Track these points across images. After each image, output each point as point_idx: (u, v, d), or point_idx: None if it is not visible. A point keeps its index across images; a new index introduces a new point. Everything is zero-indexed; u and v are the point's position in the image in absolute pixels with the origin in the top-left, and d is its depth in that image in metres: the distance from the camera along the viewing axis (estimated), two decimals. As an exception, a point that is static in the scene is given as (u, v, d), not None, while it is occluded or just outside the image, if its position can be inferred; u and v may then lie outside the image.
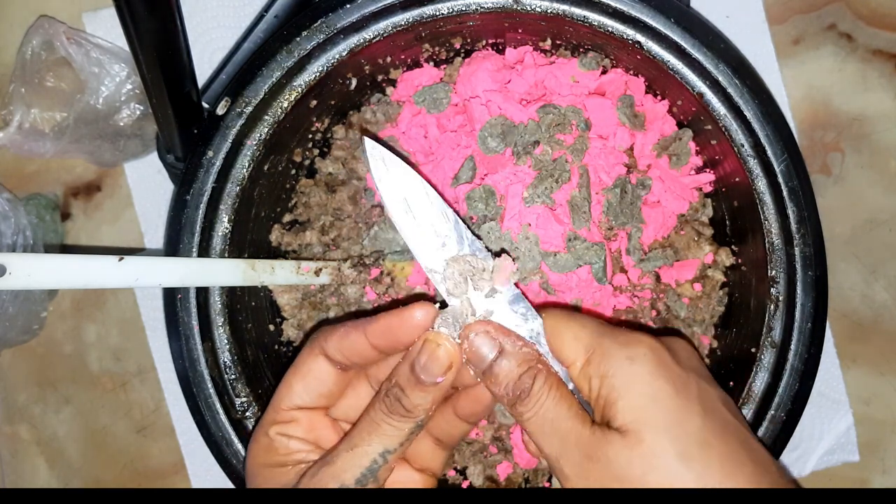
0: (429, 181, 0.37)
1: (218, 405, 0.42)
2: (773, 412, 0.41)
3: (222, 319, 0.43)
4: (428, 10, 0.44)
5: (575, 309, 0.43)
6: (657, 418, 0.30)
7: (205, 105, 0.48)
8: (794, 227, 0.42)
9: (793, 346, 0.41)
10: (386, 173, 0.36)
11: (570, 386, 0.34)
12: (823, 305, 0.42)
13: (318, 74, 0.45)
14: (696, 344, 0.46)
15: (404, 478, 0.37)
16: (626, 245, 0.45)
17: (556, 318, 0.34)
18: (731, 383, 0.43)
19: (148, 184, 0.58)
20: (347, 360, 0.35)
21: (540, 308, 0.35)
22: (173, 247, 0.43)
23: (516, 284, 0.35)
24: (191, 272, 0.39)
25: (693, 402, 0.31)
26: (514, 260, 0.37)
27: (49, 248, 0.56)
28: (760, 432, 0.41)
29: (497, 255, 0.36)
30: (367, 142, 0.36)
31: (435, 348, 0.33)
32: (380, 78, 0.49)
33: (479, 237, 0.37)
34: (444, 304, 0.35)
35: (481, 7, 0.44)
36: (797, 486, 0.32)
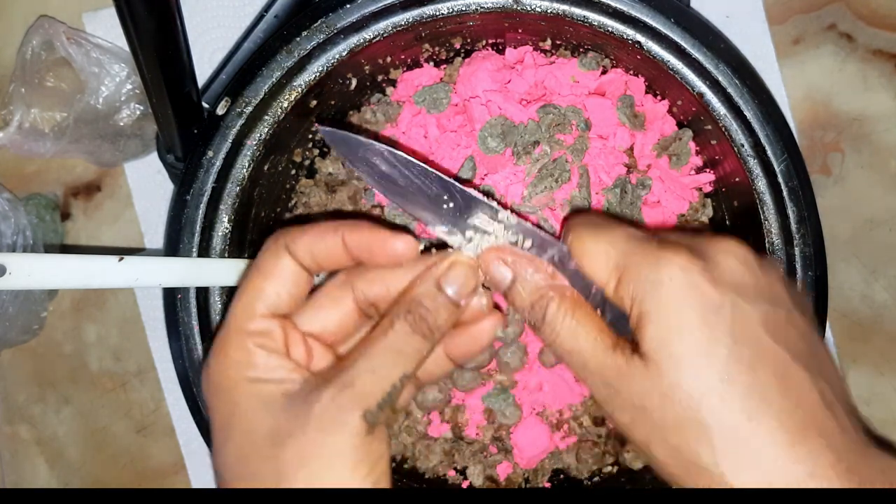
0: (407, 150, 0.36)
1: (218, 405, 0.42)
2: (773, 412, 0.41)
3: (222, 319, 0.43)
4: (428, 10, 0.44)
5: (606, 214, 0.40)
6: (678, 351, 0.28)
7: (205, 105, 0.48)
8: (794, 227, 0.42)
9: (793, 346, 0.41)
10: (353, 155, 0.34)
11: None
12: (823, 305, 0.42)
13: (318, 74, 0.45)
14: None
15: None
16: (626, 245, 0.45)
17: (582, 236, 0.32)
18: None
19: (148, 184, 0.58)
20: (316, 263, 0.33)
21: (567, 224, 0.34)
22: (173, 247, 0.43)
23: (525, 218, 0.34)
24: (191, 272, 0.39)
25: (721, 332, 0.28)
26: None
27: (49, 248, 0.56)
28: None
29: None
30: (323, 130, 0.35)
31: (468, 271, 0.33)
32: (380, 78, 0.49)
33: (462, 181, 0.36)
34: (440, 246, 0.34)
35: (481, 7, 0.44)
36: (837, 416, 0.28)
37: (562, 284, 0.33)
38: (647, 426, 0.29)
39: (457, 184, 0.34)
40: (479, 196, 0.34)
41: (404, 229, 0.34)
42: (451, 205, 0.34)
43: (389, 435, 0.33)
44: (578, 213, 0.35)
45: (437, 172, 0.35)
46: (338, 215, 0.48)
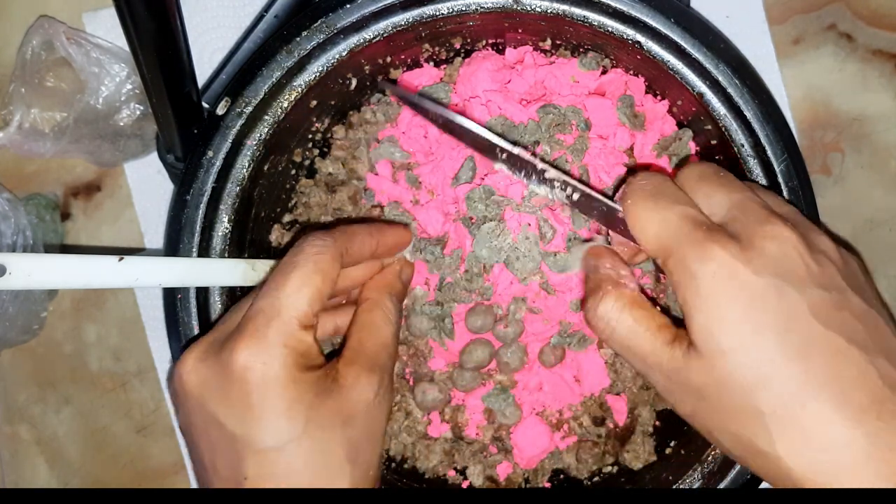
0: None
1: (218, 405, 0.42)
2: (773, 412, 0.41)
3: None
4: (428, 10, 0.44)
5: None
6: (725, 343, 0.29)
7: (205, 105, 0.48)
8: (794, 227, 0.42)
9: (793, 346, 0.41)
10: (422, 107, 0.36)
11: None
12: (823, 305, 0.42)
13: (318, 74, 0.45)
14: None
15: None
16: (626, 245, 0.45)
17: (637, 207, 0.33)
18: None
19: (148, 184, 0.58)
20: (349, 263, 0.36)
21: (624, 192, 0.34)
22: (173, 247, 0.43)
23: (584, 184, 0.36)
24: (191, 272, 0.39)
25: (767, 322, 0.28)
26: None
27: (49, 248, 0.56)
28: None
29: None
30: (388, 87, 0.39)
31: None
32: (380, 78, 0.49)
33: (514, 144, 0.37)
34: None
35: (481, 7, 0.44)
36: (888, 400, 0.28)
37: (622, 281, 0.34)
38: (708, 415, 0.30)
39: (507, 146, 0.35)
40: (528, 157, 0.35)
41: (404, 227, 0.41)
42: (504, 155, 0.35)
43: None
44: (640, 173, 0.36)
45: (489, 137, 0.35)
46: (338, 216, 0.48)
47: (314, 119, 0.48)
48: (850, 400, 0.27)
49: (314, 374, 0.32)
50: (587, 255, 0.36)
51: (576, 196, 0.35)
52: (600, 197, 0.35)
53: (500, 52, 0.49)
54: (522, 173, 0.36)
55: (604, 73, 0.47)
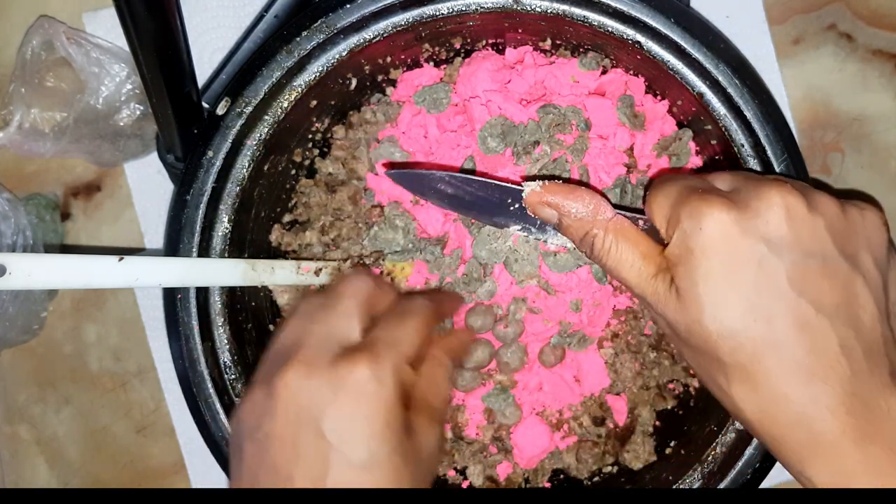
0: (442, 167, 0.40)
1: (218, 405, 0.42)
2: (773, 412, 0.41)
3: (222, 319, 0.43)
4: (428, 10, 0.44)
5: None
6: (702, 294, 0.31)
7: (205, 105, 0.48)
8: (794, 227, 0.42)
9: (793, 346, 0.41)
10: (420, 188, 0.41)
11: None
12: (823, 305, 0.42)
13: (318, 74, 0.45)
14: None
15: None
16: (626, 245, 0.45)
17: (650, 191, 0.36)
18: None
19: (148, 184, 0.58)
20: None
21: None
22: (173, 247, 0.43)
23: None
24: (191, 272, 0.39)
25: (744, 284, 0.31)
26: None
27: (49, 248, 0.56)
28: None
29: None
30: (394, 174, 0.41)
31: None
32: (380, 78, 0.49)
33: (517, 183, 0.40)
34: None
35: (481, 7, 0.44)
36: (851, 359, 0.30)
37: (606, 216, 0.36)
38: (677, 342, 0.34)
39: (515, 187, 0.39)
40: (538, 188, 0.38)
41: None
42: (517, 206, 0.39)
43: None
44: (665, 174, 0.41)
45: (495, 182, 0.39)
46: (338, 216, 0.48)
47: (314, 119, 0.48)
48: (801, 364, 0.30)
49: (405, 411, 0.33)
50: (537, 202, 0.37)
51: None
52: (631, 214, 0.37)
53: (500, 52, 0.49)
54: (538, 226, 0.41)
55: (604, 73, 0.47)
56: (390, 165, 0.46)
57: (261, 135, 0.44)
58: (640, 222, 0.36)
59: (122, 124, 0.54)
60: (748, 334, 0.31)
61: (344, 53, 0.45)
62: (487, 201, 0.40)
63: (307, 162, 0.50)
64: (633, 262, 0.35)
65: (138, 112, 0.54)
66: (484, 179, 0.39)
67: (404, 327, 0.35)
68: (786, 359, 0.30)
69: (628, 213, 0.36)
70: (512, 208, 0.40)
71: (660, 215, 0.35)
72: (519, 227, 0.41)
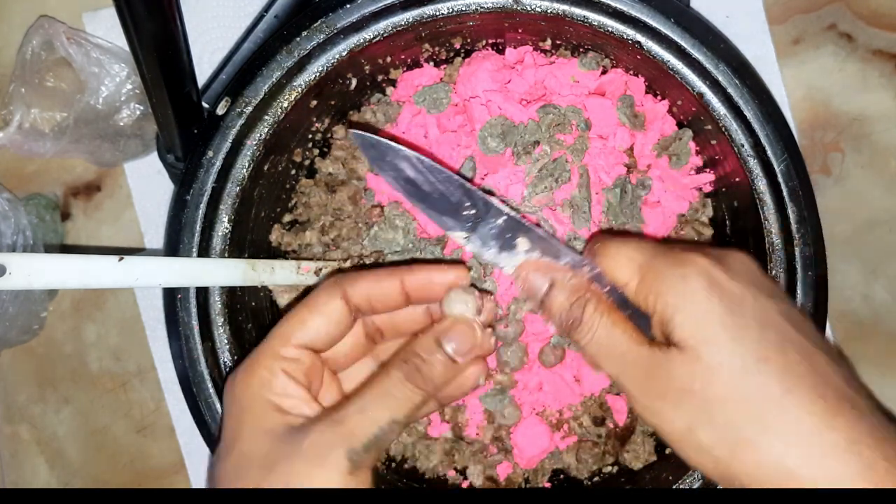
0: (429, 154, 0.38)
1: (218, 405, 0.42)
2: (773, 412, 0.41)
3: (222, 319, 0.43)
4: (428, 10, 0.44)
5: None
6: (713, 335, 0.30)
7: (205, 105, 0.48)
8: (794, 227, 0.42)
9: (793, 346, 0.41)
10: (381, 159, 0.37)
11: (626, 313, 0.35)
12: (823, 305, 0.42)
13: (318, 74, 0.45)
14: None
15: None
16: (626, 245, 0.45)
17: (608, 243, 0.35)
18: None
19: (148, 184, 0.58)
20: (370, 306, 0.35)
21: (595, 238, 0.37)
22: (173, 247, 0.43)
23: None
24: (191, 272, 0.39)
25: (748, 318, 0.31)
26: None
27: (49, 248, 0.56)
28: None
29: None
30: (354, 134, 0.37)
31: (468, 330, 0.35)
32: (380, 78, 0.49)
33: (490, 193, 0.38)
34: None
35: (481, 7, 0.44)
36: (862, 396, 0.30)
37: (596, 288, 0.35)
38: (692, 409, 0.30)
39: (480, 192, 0.37)
40: (501, 206, 0.37)
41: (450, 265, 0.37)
42: (473, 211, 0.37)
43: (374, 477, 0.34)
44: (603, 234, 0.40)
45: (462, 179, 0.37)
46: (338, 216, 0.48)
47: (314, 119, 0.48)
48: (827, 392, 0.29)
49: (279, 418, 0.33)
50: (532, 269, 0.36)
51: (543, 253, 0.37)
52: (564, 247, 0.36)
53: (500, 52, 0.49)
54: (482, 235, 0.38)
55: (604, 73, 0.47)
56: (356, 126, 0.44)
57: (261, 135, 0.44)
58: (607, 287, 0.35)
59: (122, 124, 0.54)
60: (770, 365, 0.30)
61: (344, 53, 0.45)
62: (445, 198, 0.37)
63: (307, 162, 0.50)
64: (626, 329, 0.33)
65: (138, 112, 0.54)
66: (451, 174, 0.37)
67: (280, 324, 0.36)
68: (811, 389, 0.29)
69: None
70: (466, 213, 0.37)
71: (627, 266, 0.34)
72: (464, 237, 0.37)
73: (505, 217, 0.37)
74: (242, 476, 0.33)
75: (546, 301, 0.35)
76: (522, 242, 0.37)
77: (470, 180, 0.39)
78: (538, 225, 0.38)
